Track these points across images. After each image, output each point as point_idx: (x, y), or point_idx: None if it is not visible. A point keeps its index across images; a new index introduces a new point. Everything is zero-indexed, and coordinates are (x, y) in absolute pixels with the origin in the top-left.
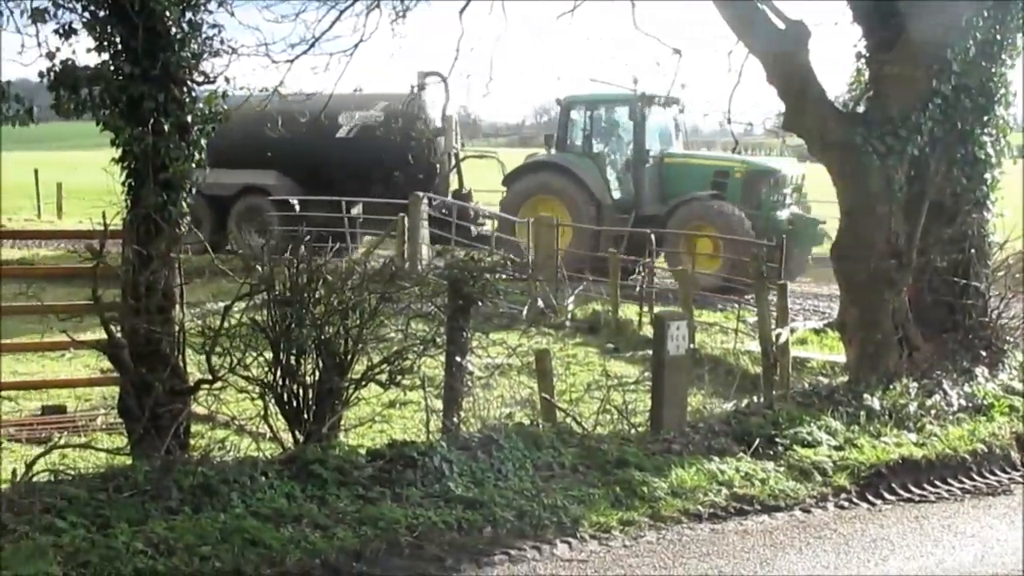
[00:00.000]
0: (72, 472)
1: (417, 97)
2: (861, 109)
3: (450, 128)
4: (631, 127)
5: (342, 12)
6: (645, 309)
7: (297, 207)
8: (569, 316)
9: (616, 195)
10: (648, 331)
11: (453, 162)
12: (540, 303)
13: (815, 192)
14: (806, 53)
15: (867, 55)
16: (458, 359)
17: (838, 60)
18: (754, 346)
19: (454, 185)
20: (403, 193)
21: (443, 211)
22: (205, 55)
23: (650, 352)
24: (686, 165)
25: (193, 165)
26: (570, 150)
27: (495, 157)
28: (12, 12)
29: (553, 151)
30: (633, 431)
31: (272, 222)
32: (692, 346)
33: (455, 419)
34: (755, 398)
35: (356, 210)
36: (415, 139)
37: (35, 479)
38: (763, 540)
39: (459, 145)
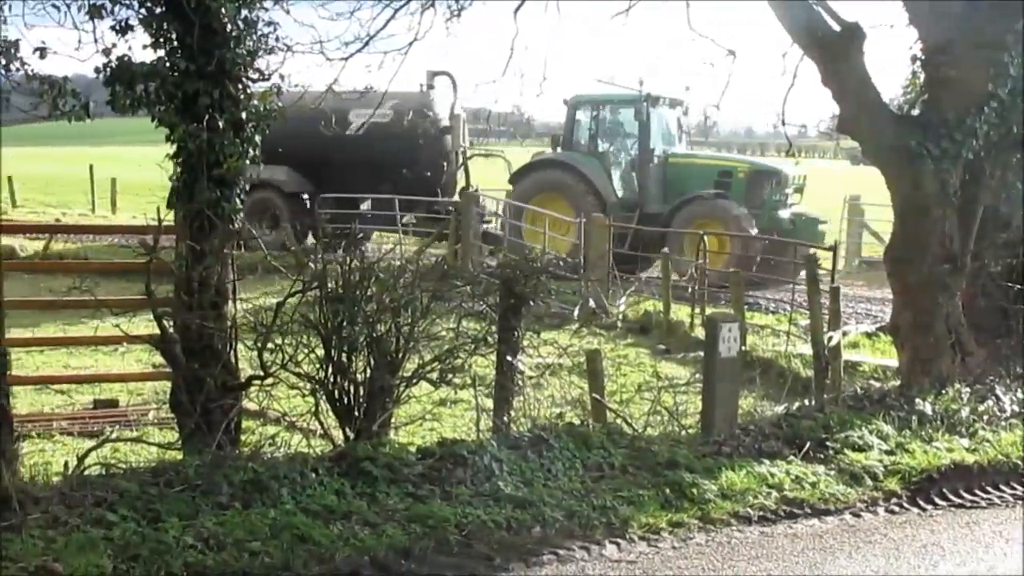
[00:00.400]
0: (123, 466)
1: (425, 96)
2: (916, 112)
3: (457, 127)
4: (636, 127)
5: (397, 11)
6: (697, 311)
7: (308, 202)
8: (620, 317)
9: (620, 193)
10: (700, 332)
11: (460, 160)
12: (591, 303)
13: (816, 193)
14: (861, 56)
15: (923, 58)
16: (509, 358)
17: (894, 63)
18: (806, 349)
19: (461, 183)
20: (411, 190)
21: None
22: (260, 52)
23: (701, 354)
24: (690, 165)
25: (247, 162)
26: (576, 149)
27: (502, 156)
28: (69, 8)
29: (559, 150)
30: (683, 433)
31: (283, 216)
32: (744, 348)
33: (505, 418)
34: (806, 401)
35: (365, 206)
36: (422, 137)
37: (87, 472)
38: (813, 544)
39: (466, 144)
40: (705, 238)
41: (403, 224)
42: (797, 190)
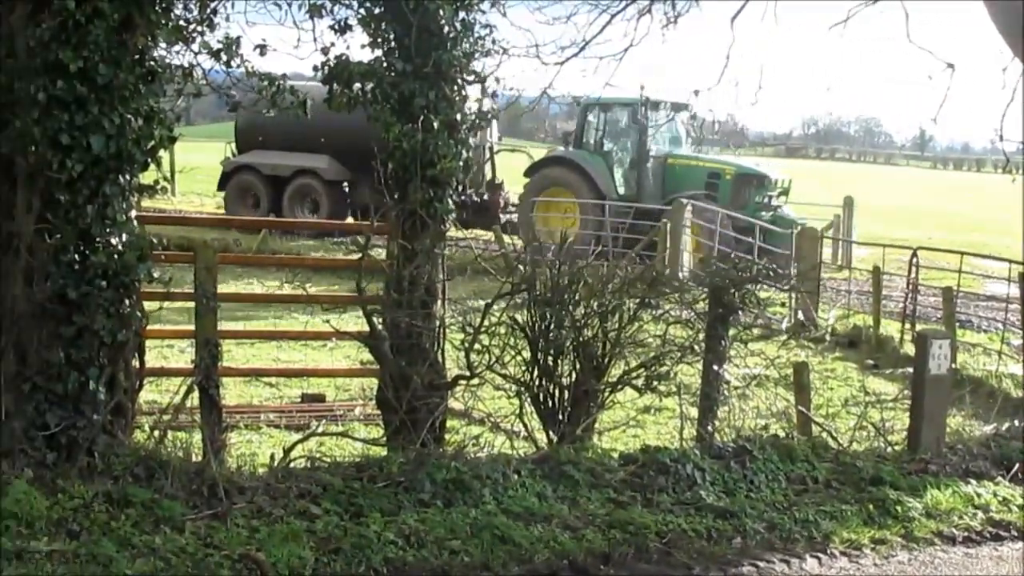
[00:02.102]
0: (328, 460)
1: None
2: None
3: (484, 120)
4: (635, 129)
5: (613, 16)
6: (907, 326)
7: (347, 188)
8: (829, 330)
9: (621, 190)
10: (909, 348)
11: (488, 155)
12: (800, 315)
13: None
14: None
15: None
16: (715, 367)
17: None
18: (1017, 369)
19: (488, 176)
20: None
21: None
22: (476, 54)
23: (910, 370)
24: (687, 166)
25: (460, 163)
26: (584, 148)
27: (526, 151)
28: (290, 7)
29: (570, 148)
30: (889, 449)
31: (323, 202)
32: (954, 366)
33: (709, 427)
34: (1016, 422)
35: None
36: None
37: (292, 465)
38: (1019, 568)
39: (493, 139)
40: (917, 253)
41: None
42: (782, 192)
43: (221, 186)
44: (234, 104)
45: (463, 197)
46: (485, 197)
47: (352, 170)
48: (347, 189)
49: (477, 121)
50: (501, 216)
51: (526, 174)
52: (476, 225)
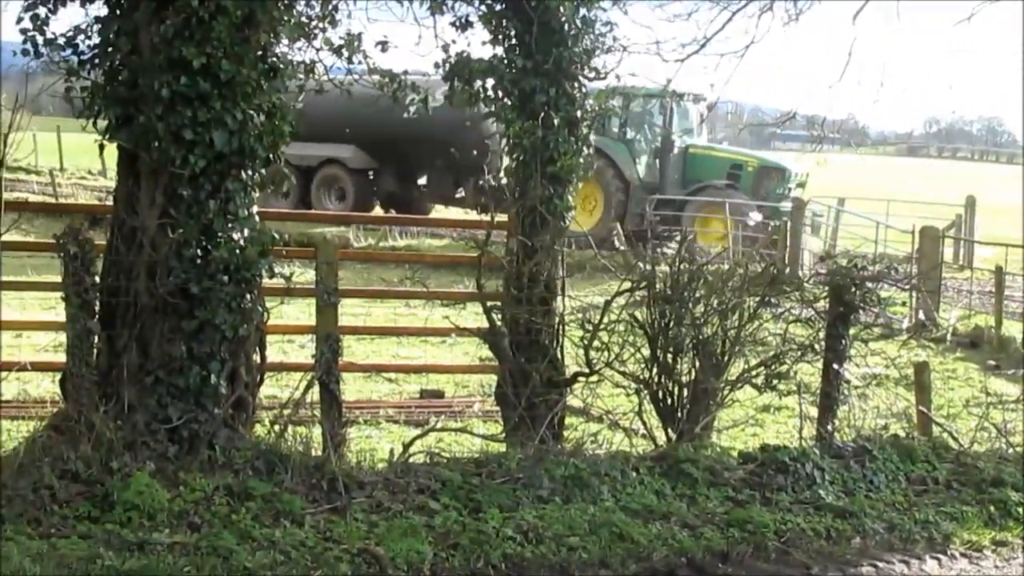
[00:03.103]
0: (447, 456)
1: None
2: None
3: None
4: (659, 119)
5: (734, 13)
6: None
7: (371, 176)
8: (950, 330)
9: (643, 177)
10: None
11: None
12: (921, 314)
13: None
14: None
15: None
16: (836, 366)
17: None
18: None
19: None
20: (458, 166)
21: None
22: (597, 51)
23: None
24: (707, 156)
25: (580, 160)
26: (608, 136)
27: None
28: (411, 4)
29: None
30: (1011, 451)
31: (349, 190)
32: None
33: (829, 427)
34: None
35: (421, 180)
36: (468, 119)
37: (411, 460)
38: None
39: None
40: None
41: (457, 197)
42: (799, 185)
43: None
44: None
45: (482, 182)
46: (504, 182)
47: (376, 159)
48: (372, 177)
49: (597, 119)
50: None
51: None
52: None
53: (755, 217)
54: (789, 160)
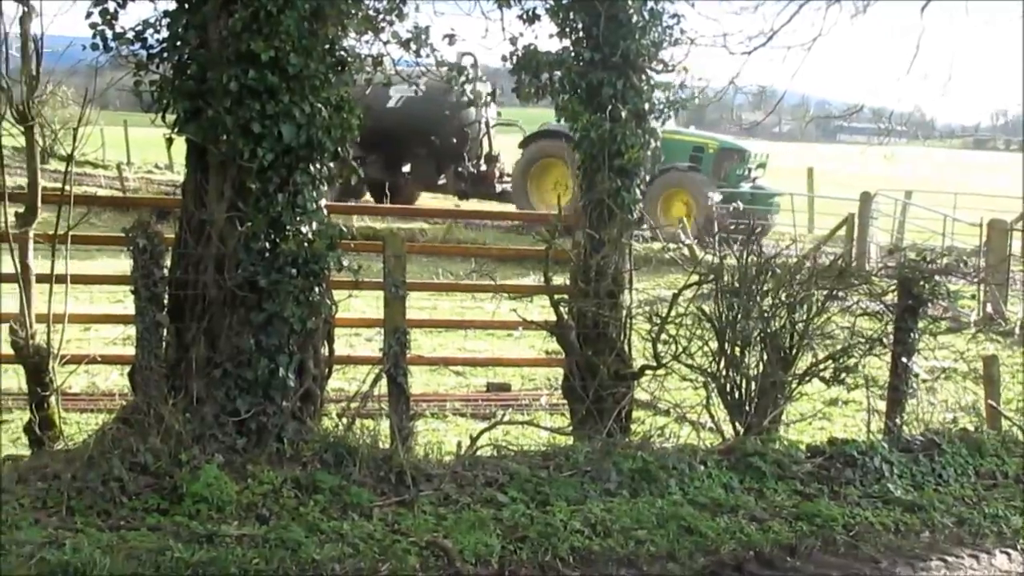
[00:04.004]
0: (514, 448)
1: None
2: None
3: (479, 100)
4: None
5: (801, 6)
6: None
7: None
8: (1019, 324)
9: None
10: None
11: (484, 129)
12: (990, 308)
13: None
14: None
15: None
16: (904, 360)
17: None
18: None
19: (486, 149)
20: (440, 154)
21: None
22: (664, 44)
23: None
24: (672, 140)
25: (649, 153)
26: None
27: (519, 126)
28: None
29: (562, 121)
30: None
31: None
32: None
33: (897, 420)
34: None
35: (405, 168)
36: (447, 108)
37: (479, 453)
38: None
39: (491, 115)
40: None
41: (440, 184)
42: (760, 166)
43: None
44: None
45: (461, 169)
46: (483, 168)
47: (361, 147)
48: (359, 165)
49: (666, 111)
50: (497, 186)
51: (521, 146)
52: (474, 195)
53: (714, 197)
54: (751, 143)
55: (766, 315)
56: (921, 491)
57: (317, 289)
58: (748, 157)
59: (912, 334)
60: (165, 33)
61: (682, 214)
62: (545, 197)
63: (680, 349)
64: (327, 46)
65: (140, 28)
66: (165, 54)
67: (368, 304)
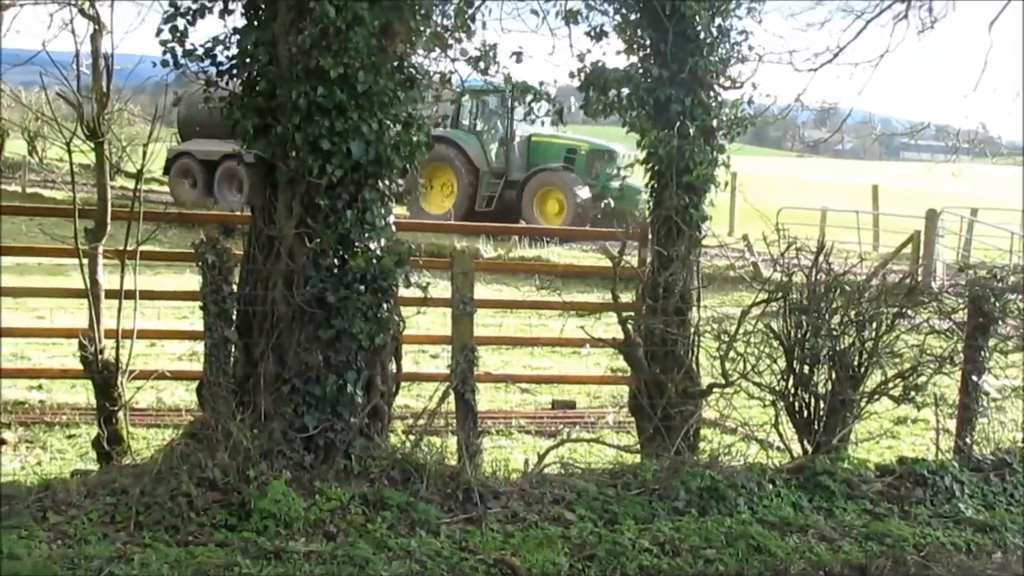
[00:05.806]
0: (581, 466)
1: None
2: None
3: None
4: (504, 112)
5: (868, 23)
6: None
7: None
8: None
9: (492, 164)
10: None
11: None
12: None
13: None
14: None
15: None
16: (974, 378)
17: None
18: None
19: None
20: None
21: None
22: (732, 60)
23: None
24: (548, 143)
25: (716, 170)
26: (460, 128)
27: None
28: (546, 14)
29: (448, 128)
30: None
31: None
32: None
33: (968, 439)
34: None
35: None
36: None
37: (546, 471)
38: None
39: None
40: None
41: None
42: (629, 165)
43: (167, 171)
44: (176, 99)
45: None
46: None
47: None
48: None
49: (734, 127)
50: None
51: None
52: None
53: (583, 193)
54: (620, 145)
55: (834, 333)
56: (992, 511)
57: (385, 305)
58: (617, 157)
59: (982, 352)
60: (235, 50)
61: (555, 211)
62: (432, 200)
63: (748, 367)
64: (395, 63)
65: (210, 45)
66: (235, 71)
67: (432, 321)
